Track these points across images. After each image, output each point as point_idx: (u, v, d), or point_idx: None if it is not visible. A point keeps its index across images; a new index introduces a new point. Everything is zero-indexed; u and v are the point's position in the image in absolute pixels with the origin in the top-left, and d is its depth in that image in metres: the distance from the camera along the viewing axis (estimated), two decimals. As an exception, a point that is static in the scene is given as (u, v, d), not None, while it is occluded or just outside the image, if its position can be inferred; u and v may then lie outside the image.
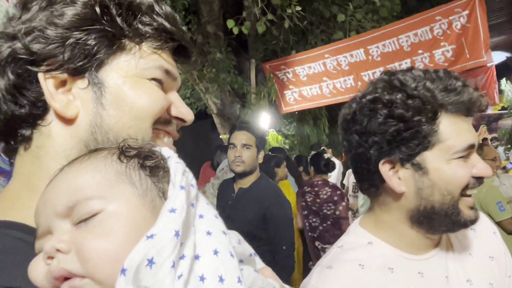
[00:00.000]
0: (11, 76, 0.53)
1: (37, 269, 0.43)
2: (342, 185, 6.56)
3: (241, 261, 0.49)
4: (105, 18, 0.55)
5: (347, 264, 0.83)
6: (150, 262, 0.39)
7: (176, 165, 0.49)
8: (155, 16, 0.59)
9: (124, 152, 0.48)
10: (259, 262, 0.57)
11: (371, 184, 0.83)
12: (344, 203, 3.49)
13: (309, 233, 3.55)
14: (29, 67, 0.53)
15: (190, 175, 0.49)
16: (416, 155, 0.76)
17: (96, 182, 0.45)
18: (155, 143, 0.58)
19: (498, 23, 6.83)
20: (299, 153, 7.96)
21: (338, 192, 3.56)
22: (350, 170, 6.05)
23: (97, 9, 0.54)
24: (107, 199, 0.44)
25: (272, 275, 0.54)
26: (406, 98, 0.74)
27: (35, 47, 0.52)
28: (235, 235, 0.53)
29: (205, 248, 0.44)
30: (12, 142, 0.57)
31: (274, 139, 6.36)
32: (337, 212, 3.43)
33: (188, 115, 0.64)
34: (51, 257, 0.42)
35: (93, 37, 0.54)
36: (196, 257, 0.43)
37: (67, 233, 0.43)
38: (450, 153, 0.76)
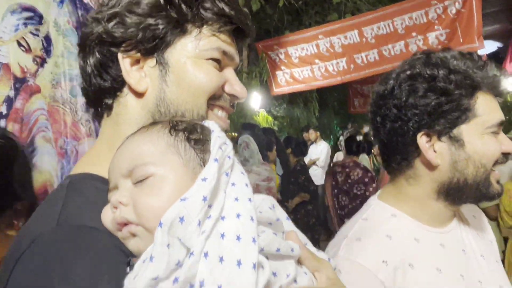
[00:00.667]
0: (98, 56, 0.65)
1: (106, 215, 0.56)
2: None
3: (270, 223, 0.56)
4: (171, 5, 0.64)
5: (375, 236, 0.86)
6: (181, 219, 0.48)
7: (216, 139, 0.57)
8: (216, 2, 0.67)
9: (173, 126, 0.58)
10: (290, 226, 0.63)
11: (404, 157, 0.86)
12: (374, 185, 3.66)
13: (338, 211, 3.75)
14: (111, 49, 0.65)
15: (228, 148, 0.57)
16: (454, 128, 0.80)
17: (150, 151, 0.56)
18: (209, 117, 0.69)
19: (492, 11, 6.82)
20: (288, 135, 7.97)
21: (369, 174, 3.76)
22: (338, 153, 6.10)
23: (163, 1, 0.64)
24: (158, 165, 0.55)
25: (296, 239, 0.60)
26: (448, 73, 0.79)
27: (116, 32, 0.64)
28: (269, 201, 0.60)
29: (231, 211, 0.51)
30: (99, 109, 0.71)
31: (264, 120, 6.33)
32: (367, 193, 3.59)
33: (241, 92, 0.72)
34: (115, 207, 0.55)
35: (161, 22, 0.64)
36: (222, 218, 0.51)
37: (127, 190, 0.55)
38: (484, 127, 0.80)
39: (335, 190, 3.79)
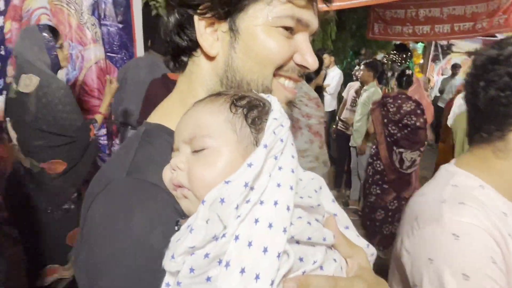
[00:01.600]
0: (177, 16, 0.68)
1: (166, 175, 0.61)
2: (341, 97, 6.47)
3: (311, 207, 0.58)
4: None
5: (476, 202, 0.86)
6: (222, 200, 0.52)
7: (272, 121, 0.58)
8: None
9: (234, 102, 0.60)
10: (333, 209, 0.65)
11: (499, 128, 0.83)
12: (425, 116, 4.06)
13: (387, 139, 4.11)
14: (188, 10, 0.67)
15: (283, 130, 0.58)
16: None
17: (209, 124, 0.59)
18: (275, 87, 0.69)
19: None
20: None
21: (421, 106, 4.08)
22: (351, 84, 5.90)
23: None
24: (214, 139, 0.58)
25: (334, 225, 0.62)
26: None
27: None
28: (317, 183, 0.63)
29: (270, 197, 0.53)
30: (177, 65, 0.74)
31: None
32: (417, 124, 3.99)
33: (312, 64, 0.70)
34: (174, 169, 0.60)
35: None
36: (260, 203, 0.53)
37: (186, 156, 0.60)
38: None
39: (385, 120, 4.11)
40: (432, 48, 13.20)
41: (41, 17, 3.65)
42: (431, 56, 13.20)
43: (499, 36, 12.06)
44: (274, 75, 0.69)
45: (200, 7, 0.66)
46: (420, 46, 14.26)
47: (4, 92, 3.33)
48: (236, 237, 0.50)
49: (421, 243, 0.86)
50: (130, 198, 0.60)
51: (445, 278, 0.77)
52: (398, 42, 12.07)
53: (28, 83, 2.39)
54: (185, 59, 0.73)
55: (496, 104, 0.82)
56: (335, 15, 7.01)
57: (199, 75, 0.71)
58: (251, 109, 0.59)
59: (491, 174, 0.88)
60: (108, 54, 3.78)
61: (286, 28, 0.66)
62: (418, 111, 4.01)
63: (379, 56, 13.20)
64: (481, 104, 0.84)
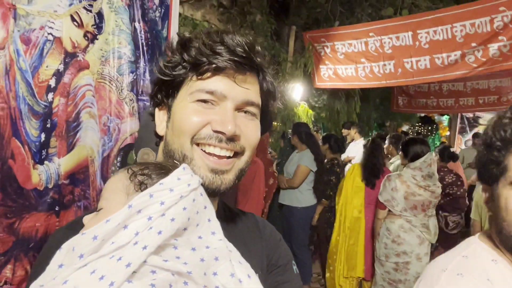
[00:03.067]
0: (151, 109, 0.86)
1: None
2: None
3: (177, 272, 0.59)
4: (174, 67, 0.78)
5: (478, 275, 0.87)
6: (73, 249, 0.59)
7: (155, 186, 0.64)
8: (193, 48, 0.74)
9: (134, 173, 0.67)
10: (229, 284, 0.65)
11: None
12: (464, 187, 4.62)
13: None
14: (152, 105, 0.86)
15: (167, 195, 0.62)
16: None
17: (109, 189, 0.67)
18: (195, 153, 0.76)
19: None
20: (325, 127, 7.82)
21: (460, 178, 4.58)
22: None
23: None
24: (108, 200, 0.65)
25: None
26: None
27: (151, 88, 0.85)
28: (215, 253, 0.65)
29: (120, 253, 0.57)
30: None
31: (304, 112, 6.23)
32: (458, 193, 4.50)
33: (224, 129, 0.74)
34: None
35: (169, 81, 0.78)
36: (111, 257, 0.57)
37: (92, 215, 0.67)
38: None
39: None
40: (458, 120, 13.20)
41: (86, 93, 4.00)
42: (457, 128, 13.15)
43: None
44: (197, 144, 0.76)
45: (156, 98, 0.82)
46: (445, 118, 14.31)
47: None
48: (65, 282, 0.54)
49: None
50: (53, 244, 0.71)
51: None
52: (423, 115, 12.17)
53: (146, 158, 2.74)
54: (158, 142, 0.87)
55: None
56: (359, 90, 7.28)
57: (159, 153, 0.85)
58: (148, 177, 0.66)
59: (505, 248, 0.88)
60: (143, 126, 4.03)
61: (204, 101, 0.75)
62: (459, 183, 4.50)
63: (405, 127, 13.29)
64: None
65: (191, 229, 0.63)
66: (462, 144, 12.75)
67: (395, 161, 4.92)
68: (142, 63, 4.17)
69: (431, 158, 3.34)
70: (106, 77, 4.00)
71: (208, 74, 0.74)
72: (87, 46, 4.24)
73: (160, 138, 0.85)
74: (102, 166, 3.88)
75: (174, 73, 0.77)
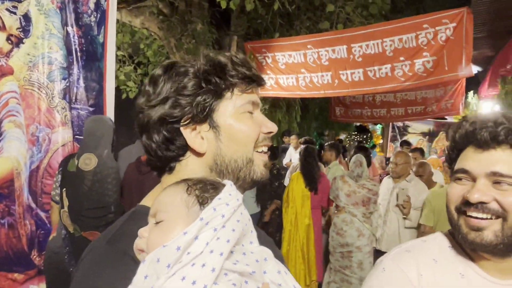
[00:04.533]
0: (164, 133, 0.82)
1: (135, 242, 0.72)
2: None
3: (248, 273, 0.68)
4: (209, 83, 0.82)
5: (423, 253, 1.01)
6: (158, 260, 0.63)
7: (215, 201, 0.70)
8: (237, 68, 0.84)
9: (190, 186, 0.72)
10: (278, 280, 0.74)
11: None
12: None
13: None
14: (174, 125, 0.82)
15: (225, 208, 0.69)
16: None
17: (168, 202, 0.72)
18: (256, 157, 0.87)
19: (476, 37, 6.98)
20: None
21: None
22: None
23: (202, 80, 0.82)
24: (169, 213, 0.70)
25: None
26: None
27: (175, 112, 0.81)
28: (262, 255, 0.74)
29: (201, 261, 0.63)
30: (162, 172, 0.89)
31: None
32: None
33: (274, 128, 0.90)
34: (140, 237, 0.72)
35: (206, 97, 0.82)
36: (192, 264, 0.63)
37: (150, 227, 0.71)
38: None
39: None
40: (390, 129, 14.10)
41: (10, 101, 3.68)
42: (389, 136, 14.04)
43: (448, 119, 13.13)
44: (253, 147, 0.87)
45: (183, 120, 0.82)
46: (379, 127, 15.23)
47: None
48: None
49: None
50: (101, 262, 0.75)
51: None
52: (358, 124, 12.86)
53: (88, 163, 2.82)
54: (173, 165, 0.86)
55: None
56: (299, 100, 7.50)
57: (186, 172, 0.85)
58: (203, 192, 0.72)
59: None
60: (77, 136, 3.80)
61: (248, 112, 0.86)
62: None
63: (342, 136, 13.94)
64: None
65: (241, 238, 0.72)
66: (394, 150, 13.60)
67: (333, 166, 5.12)
68: (75, 70, 3.95)
69: (359, 160, 3.92)
70: (35, 83, 3.74)
71: (250, 88, 0.86)
72: (11, 50, 3.93)
73: (176, 158, 0.87)
74: (30, 179, 3.59)
75: (216, 91, 0.83)
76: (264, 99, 7.58)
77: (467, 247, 0.96)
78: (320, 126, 11.06)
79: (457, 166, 0.97)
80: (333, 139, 10.95)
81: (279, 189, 4.74)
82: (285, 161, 5.88)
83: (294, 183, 4.19)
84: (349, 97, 8.49)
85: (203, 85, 0.82)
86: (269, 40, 5.98)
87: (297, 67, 5.46)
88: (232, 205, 0.71)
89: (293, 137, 6.12)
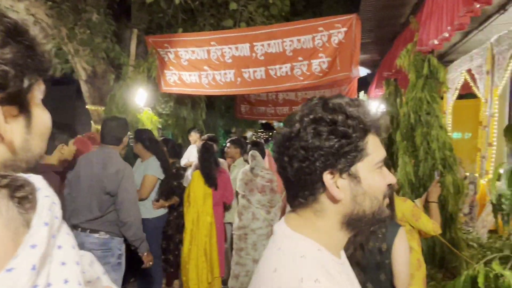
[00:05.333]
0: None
1: None
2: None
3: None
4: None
5: (328, 277, 0.87)
6: None
7: (44, 199, 0.54)
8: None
9: None
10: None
11: (311, 193, 0.93)
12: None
13: None
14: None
15: (56, 208, 0.55)
16: (352, 166, 0.91)
17: None
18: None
19: (365, 42, 7.66)
20: (172, 134, 7.73)
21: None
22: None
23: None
24: None
25: None
26: (346, 118, 0.89)
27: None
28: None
29: (58, 277, 0.51)
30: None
31: (148, 119, 6.00)
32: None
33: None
34: None
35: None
36: (48, 285, 0.50)
37: None
38: (373, 164, 0.93)
39: None
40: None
41: None
42: (293, 133, 14.72)
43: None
44: None
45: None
46: (282, 125, 15.91)
47: None
48: None
49: None
50: None
51: None
52: (264, 121, 13.25)
53: None
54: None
55: (302, 174, 0.91)
56: (205, 97, 7.43)
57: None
58: (17, 189, 0.52)
59: (319, 234, 0.94)
60: None
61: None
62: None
63: (249, 134, 14.23)
64: (291, 176, 0.93)
65: None
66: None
67: (239, 164, 5.14)
68: None
69: (253, 154, 4.36)
70: None
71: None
72: None
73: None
74: None
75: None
76: (168, 96, 7.36)
77: (380, 223, 1.04)
78: (227, 123, 11.15)
79: (378, 155, 0.94)
80: (240, 136, 11.13)
81: (178, 189, 4.60)
82: (183, 161, 5.69)
83: (195, 182, 4.12)
84: (253, 95, 8.70)
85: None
86: (172, 35, 5.81)
87: (200, 64, 5.38)
88: (58, 203, 0.57)
89: (193, 134, 5.96)
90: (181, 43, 5.55)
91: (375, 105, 9.32)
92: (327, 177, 0.89)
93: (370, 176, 0.92)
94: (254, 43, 4.99)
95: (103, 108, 6.11)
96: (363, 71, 10.59)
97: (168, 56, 5.70)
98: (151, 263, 3.12)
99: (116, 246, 2.92)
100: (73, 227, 2.92)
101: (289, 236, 0.96)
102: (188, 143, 6.30)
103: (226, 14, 6.20)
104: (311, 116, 0.90)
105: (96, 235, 2.87)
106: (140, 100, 5.94)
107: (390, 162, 5.73)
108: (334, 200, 0.91)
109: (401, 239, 2.01)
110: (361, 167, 0.91)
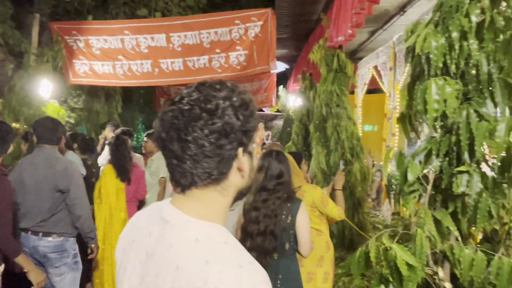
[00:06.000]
0: None
1: None
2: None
3: None
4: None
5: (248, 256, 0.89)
6: None
7: None
8: None
9: None
10: None
11: (227, 169, 0.93)
12: None
13: None
14: None
15: None
16: (250, 144, 0.97)
17: None
18: None
19: (283, 38, 7.89)
20: (86, 129, 7.23)
21: None
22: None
23: None
24: None
25: None
26: (251, 101, 0.96)
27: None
28: None
29: None
30: None
31: (55, 112, 5.51)
32: None
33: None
34: None
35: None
36: None
37: None
38: (253, 145, 1.04)
39: None
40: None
41: None
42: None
43: (266, 110, 14.60)
44: None
45: None
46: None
47: None
48: None
49: None
50: None
51: None
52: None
53: None
54: None
55: (224, 151, 0.90)
56: (120, 90, 7.06)
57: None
58: None
59: (218, 213, 0.95)
60: None
61: None
62: None
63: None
64: (208, 153, 0.90)
65: None
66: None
67: (157, 159, 4.97)
68: None
69: None
70: None
71: None
72: None
73: None
74: None
75: None
76: (81, 88, 6.86)
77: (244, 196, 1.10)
78: (148, 118, 10.71)
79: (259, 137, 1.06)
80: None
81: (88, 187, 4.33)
82: (102, 160, 5.29)
83: (107, 176, 3.89)
84: (173, 88, 8.49)
85: None
86: (80, 22, 5.41)
87: (113, 53, 5.10)
88: None
89: (107, 129, 5.61)
90: (92, 31, 5.20)
91: (293, 99, 9.69)
92: (240, 153, 0.92)
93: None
94: (171, 34, 4.85)
95: (0, 100, 5.50)
96: (282, 66, 10.93)
97: (77, 45, 5.30)
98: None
99: (71, 246, 2.98)
100: (23, 230, 2.91)
101: (192, 222, 0.93)
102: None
103: (141, 3, 5.94)
104: (234, 99, 0.92)
105: (50, 238, 2.88)
106: (44, 92, 5.44)
107: (308, 153, 6.01)
108: (238, 177, 0.95)
109: (303, 212, 2.30)
110: (252, 146, 0.99)
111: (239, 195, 1.00)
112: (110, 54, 5.12)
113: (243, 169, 0.94)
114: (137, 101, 8.99)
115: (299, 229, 2.27)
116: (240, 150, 0.92)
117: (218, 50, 4.79)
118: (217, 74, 4.89)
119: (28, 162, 3.02)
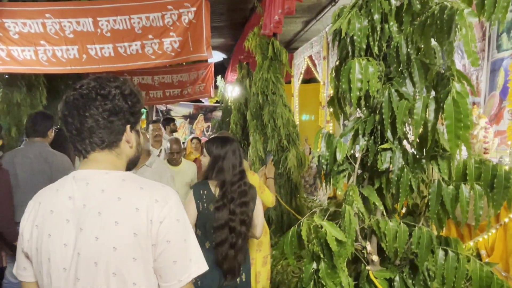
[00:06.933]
0: None
1: None
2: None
3: None
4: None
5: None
6: None
7: None
8: None
9: None
10: None
11: (118, 139, 1.22)
12: None
13: None
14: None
15: None
16: (137, 123, 1.28)
17: None
18: None
19: (219, 26, 7.80)
20: (6, 123, 6.62)
21: None
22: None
23: None
24: None
25: None
26: (138, 92, 1.27)
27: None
28: None
29: None
30: None
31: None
32: None
33: None
34: None
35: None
36: None
37: None
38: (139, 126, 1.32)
39: None
40: (154, 113, 14.33)
41: None
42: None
43: (205, 102, 14.41)
44: None
45: None
46: (143, 111, 15.26)
47: None
48: None
49: None
50: None
51: None
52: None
53: None
54: None
55: (115, 126, 1.20)
56: (44, 79, 6.53)
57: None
58: None
59: (118, 168, 1.24)
60: None
61: None
62: None
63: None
64: (102, 125, 1.18)
65: None
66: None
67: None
68: None
69: None
70: None
71: None
72: None
73: None
74: None
75: None
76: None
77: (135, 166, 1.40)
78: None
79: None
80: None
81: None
82: None
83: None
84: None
85: None
86: (-7, 3, 4.88)
87: (35, 38, 4.67)
88: None
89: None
90: (7, 13, 4.72)
91: (231, 89, 9.66)
92: (128, 130, 1.22)
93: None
94: (98, 18, 4.55)
95: None
96: (219, 56, 10.82)
97: (-10, 28, 4.79)
98: None
99: None
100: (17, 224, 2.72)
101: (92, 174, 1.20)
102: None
103: (65, -15, 5.50)
104: (124, 88, 1.21)
105: None
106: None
107: (246, 142, 6.01)
108: (129, 146, 1.25)
109: (258, 196, 2.40)
110: (139, 126, 1.31)
111: (131, 165, 1.29)
112: (31, 39, 4.69)
113: (130, 141, 1.24)
114: (65, 91, 8.36)
115: (256, 212, 2.34)
116: (128, 126, 1.22)
117: (151, 36, 4.59)
118: (151, 61, 4.70)
119: (21, 155, 3.08)
